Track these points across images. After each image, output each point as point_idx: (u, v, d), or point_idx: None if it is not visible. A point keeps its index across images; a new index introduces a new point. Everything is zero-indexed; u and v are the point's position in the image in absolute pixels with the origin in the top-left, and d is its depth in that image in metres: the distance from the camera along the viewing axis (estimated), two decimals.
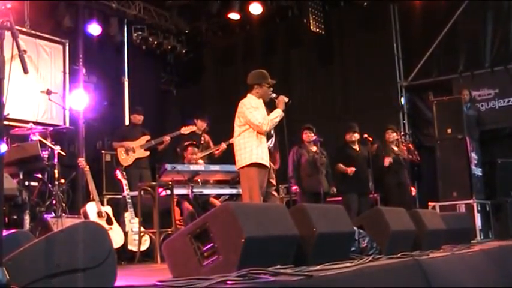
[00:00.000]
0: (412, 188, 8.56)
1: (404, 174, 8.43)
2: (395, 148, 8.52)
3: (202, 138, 8.33)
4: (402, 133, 9.23)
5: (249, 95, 5.72)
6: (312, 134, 8.21)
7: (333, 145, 9.00)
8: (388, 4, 10.38)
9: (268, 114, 5.64)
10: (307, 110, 10.32)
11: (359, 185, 8.15)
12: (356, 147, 8.31)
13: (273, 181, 5.89)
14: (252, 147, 5.47)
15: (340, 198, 8.30)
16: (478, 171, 8.49)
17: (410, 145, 8.85)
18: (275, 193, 5.96)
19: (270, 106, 5.78)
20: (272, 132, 5.83)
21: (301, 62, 11.14)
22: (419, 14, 10.06)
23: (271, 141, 5.83)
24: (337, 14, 10.75)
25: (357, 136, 8.28)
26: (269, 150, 5.70)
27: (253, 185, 5.43)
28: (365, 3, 9.67)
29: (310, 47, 10.93)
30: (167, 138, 8.28)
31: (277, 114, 5.62)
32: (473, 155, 8.40)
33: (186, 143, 7.80)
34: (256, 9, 10.25)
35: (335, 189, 8.24)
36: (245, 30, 11.43)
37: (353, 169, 8.10)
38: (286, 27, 11.16)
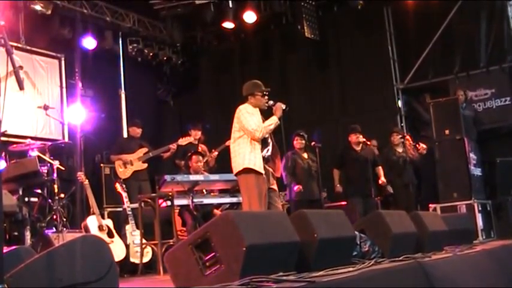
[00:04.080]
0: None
1: (410, 175, 8.44)
2: (401, 150, 8.53)
3: (199, 149, 8.34)
4: (405, 134, 9.24)
5: (246, 103, 5.75)
6: (303, 141, 8.20)
7: (331, 148, 8.99)
8: (381, 6, 10.41)
9: (264, 122, 5.65)
10: (304, 114, 10.34)
11: (363, 187, 8.13)
12: (358, 148, 8.29)
13: (274, 186, 5.87)
14: (245, 153, 5.49)
15: (345, 202, 8.31)
16: (477, 171, 8.49)
17: (418, 145, 8.87)
18: (278, 204, 5.92)
19: (268, 113, 5.79)
20: (269, 140, 5.81)
21: (298, 67, 11.17)
22: (413, 15, 10.09)
23: (267, 150, 5.78)
24: (331, 18, 10.79)
25: (360, 137, 8.26)
26: (266, 158, 5.69)
27: (251, 194, 5.42)
28: (359, 6, 9.67)
29: (305, 51, 10.97)
30: (173, 146, 8.26)
31: (273, 121, 5.63)
32: (472, 155, 8.40)
33: (190, 153, 7.81)
34: (250, 17, 10.27)
35: (338, 186, 8.29)
36: (240, 38, 11.47)
37: (339, 190, 8.17)
38: (281, 34, 11.19)
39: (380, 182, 8.29)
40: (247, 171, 5.45)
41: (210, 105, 11.72)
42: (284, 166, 7.93)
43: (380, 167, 8.38)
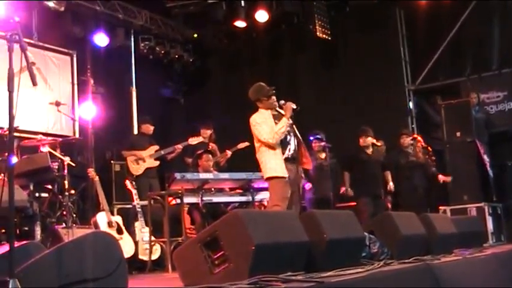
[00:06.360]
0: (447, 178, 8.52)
1: (420, 178, 8.40)
2: (410, 152, 8.50)
3: (210, 147, 8.34)
4: (415, 135, 9.20)
5: (259, 109, 5.87)
6: (322, 143, 8.24)
7: (341, 149, 8.97)
8: (394, 8, 10.37)
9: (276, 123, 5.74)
10: (314, 114, 10.31)
11: (373, 188, 8.11)
12: (369, 150, 8.25)
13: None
14: (266, 161, 5.70)
15: (354, 203, 8.30)
16: (490, 173, 8.44)
17: (429, 148, 8.83)
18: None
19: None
20: (288, 139, 5.86)
21: (308, 67, 11.14)
22: (426, 17, 10.02)
23: (289, 149, 5.85)
24: (342, 19, 10.75)
25: (370, 140, 8.23)
26: (291, 158, 5.78)
27: (273, 197, 5.69)
28: (375, 1, 9.65)
29: (316, 52, 10.93)
30: (179, 147, 8.28)
31: (283, 124, 5.71)
32: (486, 158, 8.34)
33: (200, 151, 7.80)
34: (262, 16, 10.26)
35: (349, 190, 8.27)
36: (251, 37, 11.45)
37: (350, 193, 8.15)
38: (292, 33, 11.16)
39: (388, 188, 8.27)
40: (272, 177, 5.68)
41: (220, 104, 11.71)
42: None
43: (388, 172, 8.35)
